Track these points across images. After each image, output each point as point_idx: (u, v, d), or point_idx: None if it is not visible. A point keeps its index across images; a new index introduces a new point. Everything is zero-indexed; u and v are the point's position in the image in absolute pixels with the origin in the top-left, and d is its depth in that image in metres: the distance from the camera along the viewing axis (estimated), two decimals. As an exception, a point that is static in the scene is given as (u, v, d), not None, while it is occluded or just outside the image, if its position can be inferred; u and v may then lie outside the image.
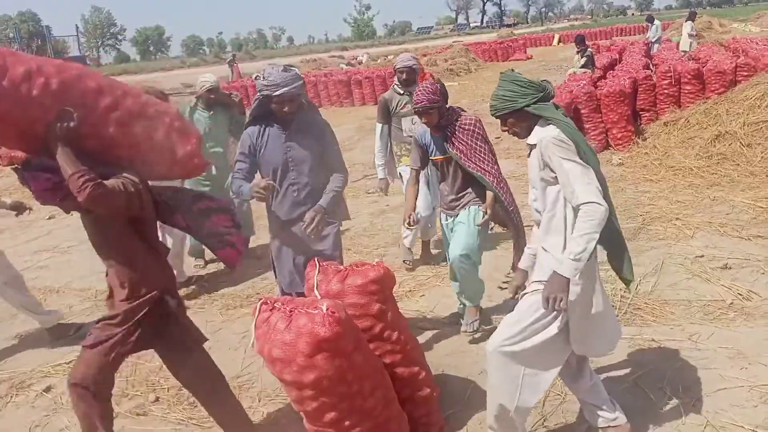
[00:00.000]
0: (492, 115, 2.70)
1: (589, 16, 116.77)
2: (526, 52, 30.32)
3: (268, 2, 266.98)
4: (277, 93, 3.18)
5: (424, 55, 29.99)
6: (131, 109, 2.58)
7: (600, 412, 2.83)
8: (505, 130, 2.73)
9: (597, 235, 2.37)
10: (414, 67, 4.97)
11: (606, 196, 2.49)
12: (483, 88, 18.58)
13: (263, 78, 3.23)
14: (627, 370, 3.41)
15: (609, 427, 2.83)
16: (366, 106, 16.85)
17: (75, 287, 5.67)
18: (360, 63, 31.28)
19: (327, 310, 2.22)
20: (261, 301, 2.40)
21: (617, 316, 3.96)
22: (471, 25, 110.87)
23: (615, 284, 4.46)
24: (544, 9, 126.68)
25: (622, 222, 5.65)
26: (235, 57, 29.38)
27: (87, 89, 2.46)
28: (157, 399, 3.64)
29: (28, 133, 2.40)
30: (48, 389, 3.87)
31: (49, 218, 8.33)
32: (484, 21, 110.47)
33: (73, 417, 3.50)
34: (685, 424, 2.90)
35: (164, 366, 3.94)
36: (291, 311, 2.29)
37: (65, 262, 6.43)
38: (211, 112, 5.55)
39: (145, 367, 4.02)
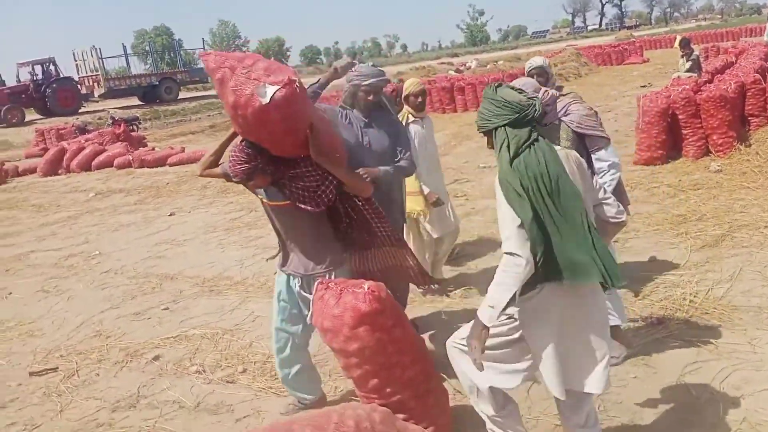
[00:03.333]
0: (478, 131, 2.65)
1: (719, 16, 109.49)
2: (642, 55, 29.18)
3: (383, 11, 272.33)
4: (366, 83, 3.68)
5: (534, 60, 29.70)
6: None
7: None
8: (490, 147, 2.60)
9: (514, 288, 2.30)
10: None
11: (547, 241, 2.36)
12: (590, 92, 18.19)
13: (354, 72, 3.74)
14: (676, 367, 3.50)
15: None
16: (468, 113, 17.04)
17: (187, 275, 6.36)
18: (468, 69, 31.39)
19: (368, 289, 2.57)
20: (318, 281, 2.80)
21: (683, 321, 4.03)
22: (588, 27, 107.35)
23: (685, 288, 4.51)
24: (668, 9, 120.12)
25: (708, 228, 5.62)
26: (354, 59, 30.42)
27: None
28: (244, 370, 4.15)
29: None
30: (156, 358, 4.48)
31: (170, 215, 9.26)
32: (603, 23, 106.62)
33: (174, 380, 4.11)
34: (722, 419, 2.99)
35: (253, 343, 4.49)
36: (341, 290, 2.67)
37: (180, 253, 7.20)
38: None
39: (236, 344, 4.56)
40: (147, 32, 76.90)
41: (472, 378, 2.62)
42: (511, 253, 2.31)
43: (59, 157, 15.35)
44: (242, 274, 6.13)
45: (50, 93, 29.56)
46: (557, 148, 2.53)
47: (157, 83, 33.92)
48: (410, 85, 4.88)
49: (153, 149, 15.92)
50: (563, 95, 4.07)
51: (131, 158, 14.51)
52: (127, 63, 37.17)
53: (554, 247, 2.36)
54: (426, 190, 4.80)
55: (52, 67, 30.77)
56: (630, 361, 3.62)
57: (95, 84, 32.50)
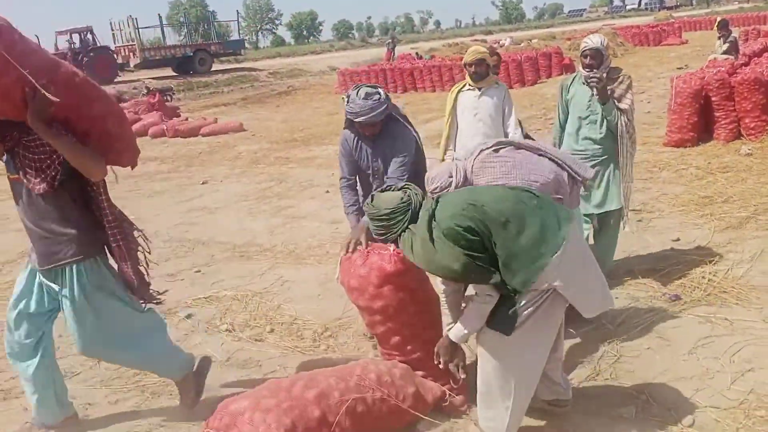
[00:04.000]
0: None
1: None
2: (680, 37, 28.55)
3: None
4: (357, 120, 3.49)
5: (569, 39, 29.26)
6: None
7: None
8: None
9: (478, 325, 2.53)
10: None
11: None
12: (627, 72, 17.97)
13: (348, 102, 3.50)
14: (689, 341, 3.59)
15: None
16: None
17: (218, 240, 6.58)
18: (502, 47, 31.06)
19: (394, 250, 2.72)
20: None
21: (700, 298, 4.11)
22: (627, 7, 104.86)
23: (705, 267, 4.57)
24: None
25: (734, 210, 5.64)
26: (395, 40, 30.38)
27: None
28: (272, 330, 4.34)
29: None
30: (189, 316, 4.71)
31: (203, 183, 9.50)
32: (642, 3, 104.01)
33: (206, 337, 4.32)
34: (730, 390, 3.09)
35: (280, 305, 4.68)
36: (368, 252, 2.82)
37: (212, 220, 7.42)
38: None
39: (265, 305, 4.76)
40: (182, 3, 77.24)
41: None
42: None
43: (96, 125, 15.69)
44: (271, 242, 6.32)
45: (87, 62, 30.03)
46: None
47: (191, 54, 34.21)
48: (467, 55, 4.71)
49: (186, 119, 16.21)
50: (617, 79, 4.15)
51: (165, 128, 14.81)
52: (163, 34, 37.50)
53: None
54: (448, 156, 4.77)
55: (89, 36, 31.24)
56: (644, 334, 3.73)
57: (131, 54, 32.91)
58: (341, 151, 3.80)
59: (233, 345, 4.19)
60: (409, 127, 3.73)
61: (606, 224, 4.46)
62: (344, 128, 3.77)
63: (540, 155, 2.74)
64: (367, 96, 3.46)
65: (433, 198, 2.58)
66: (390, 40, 31.15)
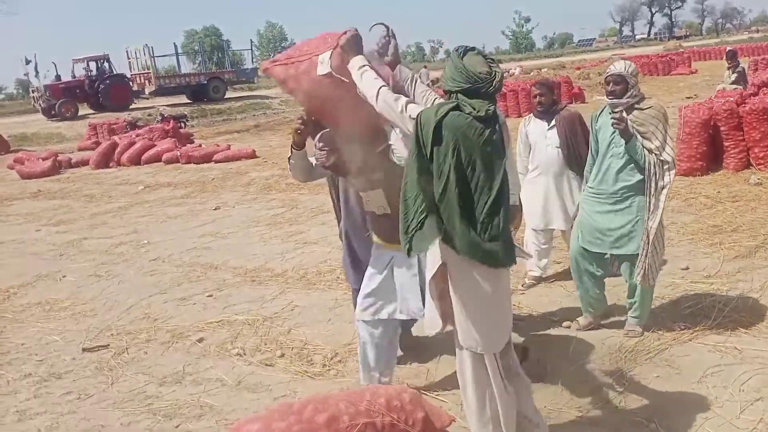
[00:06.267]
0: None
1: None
2: (690, 66, 28.73)
3: (428, 17, 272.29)
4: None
5: (578, 68, 29.52)
6: None
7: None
8: None
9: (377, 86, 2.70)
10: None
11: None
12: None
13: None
14: (699, 370, 3.59)
15: None
16: (509, 119, 17.07)
17: (230, 265, 6.65)
18: (512, 76, 31.34)
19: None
20: None
21: (710, 327, 4.11)
22: (636, 37, 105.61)
23: (714, 297, 4.57)
24: (720, 20, 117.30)
25: (743, 239, 5.65)
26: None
27: None
28: (282, 355, 4.37)
29: None
30: (200, 340, 4.75)
31: (215, 209, 9.61)
32: (652, 33, 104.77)
33: (217, 360, 4.36)
34: (739, 419, 3.09)
35: (291, 330, 4.72)
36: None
37: (224, 245, 7.50)
38: None
39: (275, 330, 4.80)
40: (197, 32, 78.50)
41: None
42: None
43: (111, 151, 15.97)
44: (282, 267, 6.38)
45: (103, 89, 30.56)
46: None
47: (206, 82, 34.72)
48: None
49: (200, 146, 16.43)
50: (641, 109, 3.83)
51: (179, 154, 15.02)
52: (178, 62, 38.11)
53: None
54: None
55: (106, 64, 31.80)
56: (654, 362, 3.74)
57: (146, 81, 33.44)
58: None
59: (244, 369, 4.23)
60: None
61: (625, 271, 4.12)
62: None
63: None
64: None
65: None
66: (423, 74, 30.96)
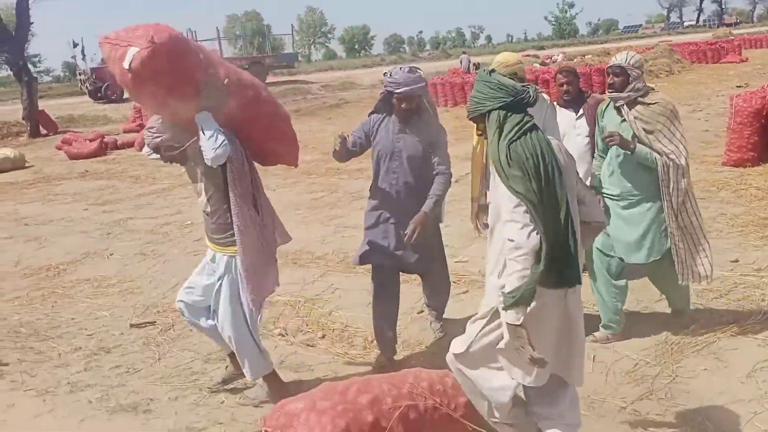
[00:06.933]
0: (468, 118, 2.60)
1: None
2: (740, 54, 27.78)
3: (468, 2, 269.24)
4: (398, 91, 3.54)
5: (623, 56, 28.77)
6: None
7: None
8: (479, 134, 2.60)
9: (526, 272, 2.30)
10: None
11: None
12: (681, 91, 17.61)
13: (390, 76, 3.61)
14: (747, 364, 3.53)
15: None
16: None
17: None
18: (554, 62, 30.80)
19: None
20: None
21: (759, 321, 4.01)
22: (685, 23, 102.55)
23: (764, 290, 4.45)
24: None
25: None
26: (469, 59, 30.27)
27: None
28: (323, 336, 4.43)
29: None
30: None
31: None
32: (701, 19, 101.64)
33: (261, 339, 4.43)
34: (791, 415, 3.01)
35: (332, 312, 4.77)
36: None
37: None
38: None
39: (317, 312, 4.86)
40: (238, 17, 79.11)
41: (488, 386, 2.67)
42: (510, 239, 2.32)
43: (155, 133, 16.23)
44: (323, 250, 6.44)
45: (148, 73, 31.04)
46: (551, 138, 2.51)
47: (246, 67, 34.89)
48: (496, 64, 3.88)
49: (241, 129, 16.57)
50: (646, 104, 3.64)
51: (221, 137, 15.18)
52: (220, 46, 38.47)
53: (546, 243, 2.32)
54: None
55: (149, 48, 32.28)
56: (701, 355, 3.67)
57: (189, 66, 33.85)
58: (358, 127, 3.86)
59: (286, 349, 4.29)
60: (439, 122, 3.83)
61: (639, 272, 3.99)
62: (370, 113, 3.84)
63: None
64: (411, 71, 3.62)
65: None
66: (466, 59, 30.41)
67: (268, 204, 3.55)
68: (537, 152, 2.35)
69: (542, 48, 57.83)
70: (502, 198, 2.39)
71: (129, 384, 3.95)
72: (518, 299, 2.28)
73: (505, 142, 2.38)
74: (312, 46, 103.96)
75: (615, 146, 3.68)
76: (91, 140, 16.30)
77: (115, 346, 4.58)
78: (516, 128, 2.40)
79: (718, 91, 16.30)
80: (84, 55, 32.62)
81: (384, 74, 3.77)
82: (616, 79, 3.66)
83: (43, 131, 20.51)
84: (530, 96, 2.43)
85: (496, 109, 2.43)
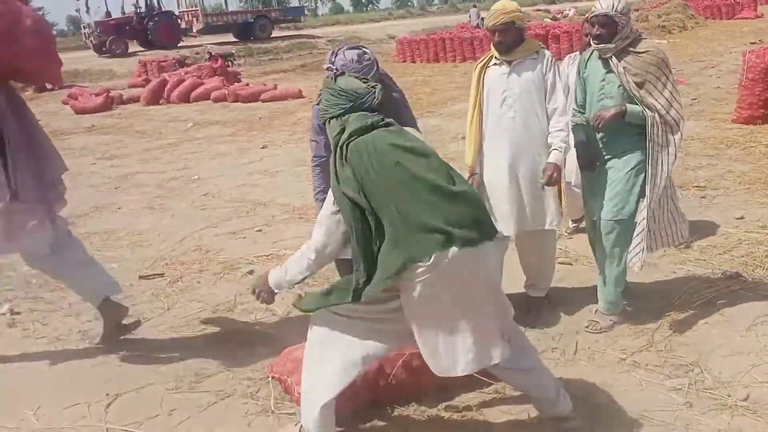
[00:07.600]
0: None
1: None
2: (755, 10, 27.14)
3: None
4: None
5: (637, 10, 28.11)
6: None
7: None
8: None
9: (305, 275, 2.52)
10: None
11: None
12: (694, 47, 17.33)
13: (334, 58, 3.10)
14: (747, 318, 3.56)
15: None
16: (560, 62, 16.56)
17: (278, 202, 6.77)
18: (566, 17, 30.25)
19: None
20: None
21: (762, 277, 4.03)
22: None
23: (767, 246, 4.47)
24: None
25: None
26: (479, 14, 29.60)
27: None
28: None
29: None
30: (251, 272, 4.90)
31: (263, 147, 9.72)
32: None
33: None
34: (788, 367, 3.06)
35: (338, 265, 4.77)
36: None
37: (272, 183, 7.62)
38: None
39: (323, 265, 4.91)
40: (243, -31, 77.45)
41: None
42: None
43: (161, 88, 16.18)
44: (329, 205, 6.45)
45: (152, 26, 30.73)
46: (410, 130, 2.53)
47: (252, 21, 34.55)
48: (488, 17, 3.56)
49: (247, 85, 16.50)
50: (637, 53, 3.30)
51: (227, 92, 15.13)
52: (225, 0, 37.97)
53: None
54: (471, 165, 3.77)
55: (154, 1, 31.88)
56: (702, 309, 3.70)
57: (194, 19, 33.47)
58: (313, 129, 3.32)
59: (292, 298, 4.35)
60: (409, 108, 3.33)
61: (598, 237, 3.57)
62: (315, 104, 3.18)
63: None
64: (359, 57, 3.06)
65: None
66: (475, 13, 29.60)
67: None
68: (366, 157, 2.34)
69: (553, 2, 56.64)
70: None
71: (139, 333, 4.02)
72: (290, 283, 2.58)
73: (344, 144, 2.42)
74: (318, 0, 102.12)
75: (599, 100, 3.41)
76: (96, 95, 16.26)
77: (125, 297, 4.63)
78: (352, 131, 2.42)
79: (731, 48, 16.02)
80: (88, 8, 32.21)
81: (330, 55, 3.16)
82: (602, 30, 3.28)
83: (49, 86, 20.42)
84: (374, 98, 2.47)
85: (338, 116, 2.48)
